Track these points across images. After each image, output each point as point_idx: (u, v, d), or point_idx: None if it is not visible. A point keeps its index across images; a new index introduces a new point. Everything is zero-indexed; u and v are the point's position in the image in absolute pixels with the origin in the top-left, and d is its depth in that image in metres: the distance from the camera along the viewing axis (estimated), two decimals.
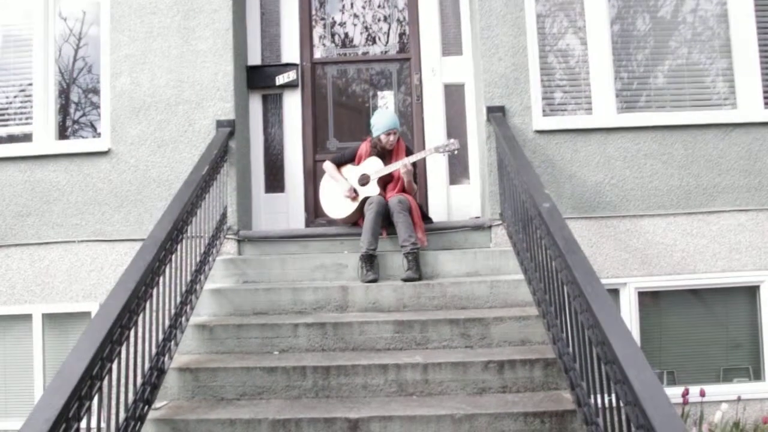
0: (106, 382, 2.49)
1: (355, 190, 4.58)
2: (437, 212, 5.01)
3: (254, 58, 5.21)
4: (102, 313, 2.59)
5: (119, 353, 2.62)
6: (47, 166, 4.77)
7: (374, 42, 5.37)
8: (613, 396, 2.36)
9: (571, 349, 2.93)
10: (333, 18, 5.39)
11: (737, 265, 4.60)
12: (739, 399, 4.33)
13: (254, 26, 5.24)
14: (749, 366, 4.63)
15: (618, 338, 2.30)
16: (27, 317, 4.69)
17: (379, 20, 5.37)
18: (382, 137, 4.54)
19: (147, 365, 2.98)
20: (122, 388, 2.68)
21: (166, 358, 3.20)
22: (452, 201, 5.12)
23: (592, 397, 2.66)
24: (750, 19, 4.78)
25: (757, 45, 4.77)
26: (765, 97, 4.74)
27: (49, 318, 4.70)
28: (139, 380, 2.90)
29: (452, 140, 4.53)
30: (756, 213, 4.62)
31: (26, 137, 4.92)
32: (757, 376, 4.59)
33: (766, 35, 4.81)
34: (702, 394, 4.20)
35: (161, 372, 3.12)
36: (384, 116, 4.59)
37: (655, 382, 2.09)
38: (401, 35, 5.35)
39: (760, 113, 4.71)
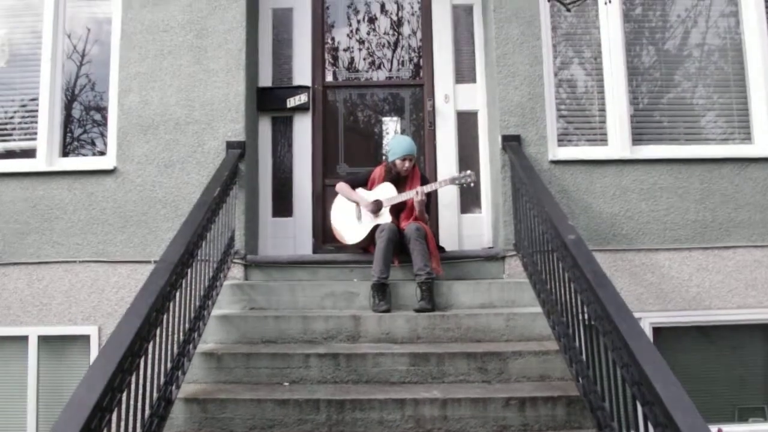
0: (115, 414, 2.34)
1: (378, 203, 4.46)
2: (448, 241, 4.90)
3: (265, 80, 5.13)
4: (114, 341, 2.46)
5: (129, 383, 2.48)
6: (50, 184, 4.63)
7: (386, 67, 5.32)
8: None
9: (598, 387, 2.82)
10: (346, 42, 5.34)
11: (753, 302, 4.51)
12: None
13: (266, 47, 5.17)
14: (764, 405, 4.52)
15: (660, 379, 2.19)
16: (22, 339, 4.51)
17: (391, 46, 5.33)
18: (398, 162, 4.46)
19: (155, 395, 2.83)
20: (130, 420, 2.54)
21: (174, 388, 3.05)
22: (463, 230, 5.03)
23: None
24: (765, 54, 4.77)
25: None
26: None
27: (46, 341, 4.52)
28: (147, 411, 2.75)
29: (469, 172, 4.42)
30: None
31: (28, 153, 4.80)
32: None
33: None
34: None
35: (168, 402, 2.97)
36: (400, 141, 4.51)
37: (704, 428, 1.98)
38: (413, 61, 5.30)
39: None
